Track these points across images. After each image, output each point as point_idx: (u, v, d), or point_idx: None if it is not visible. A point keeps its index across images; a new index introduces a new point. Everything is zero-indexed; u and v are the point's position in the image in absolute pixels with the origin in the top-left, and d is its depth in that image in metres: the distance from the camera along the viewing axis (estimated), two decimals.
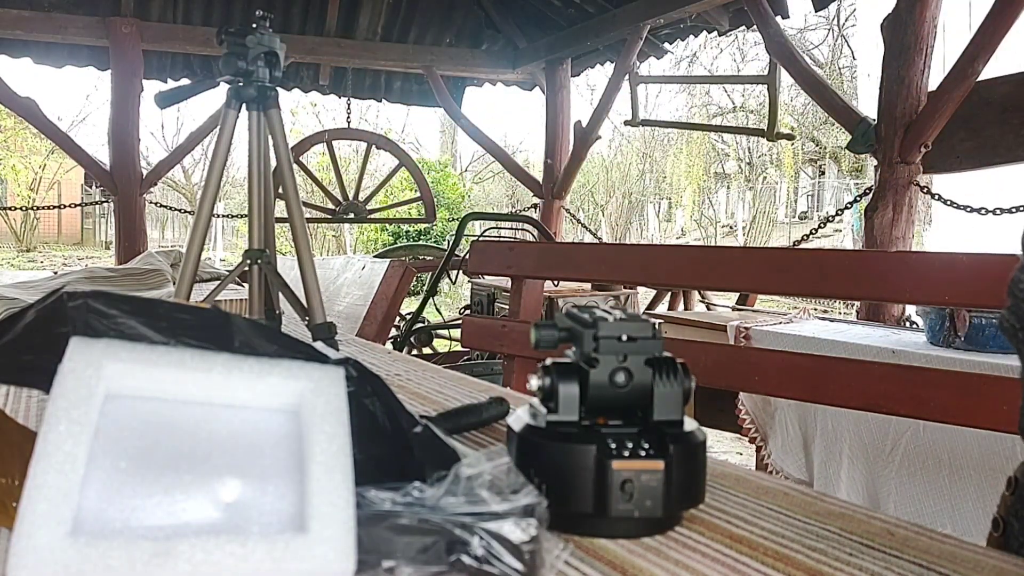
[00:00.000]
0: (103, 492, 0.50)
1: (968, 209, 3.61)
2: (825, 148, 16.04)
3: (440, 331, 4.96)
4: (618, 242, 15.37)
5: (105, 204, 6.27)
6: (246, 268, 1.67)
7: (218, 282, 1.86)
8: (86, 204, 7.66)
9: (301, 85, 6.53)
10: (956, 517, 2.10)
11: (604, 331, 0.64)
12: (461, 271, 4.36)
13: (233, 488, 0.52)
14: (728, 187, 17.97)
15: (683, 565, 0.58)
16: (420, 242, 10.11)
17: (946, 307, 2.23)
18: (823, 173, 17.27)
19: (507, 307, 2.40)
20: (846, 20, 15.20)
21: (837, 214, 4.85)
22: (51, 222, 19.51)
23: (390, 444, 0.62)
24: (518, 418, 0.67)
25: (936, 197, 3.69)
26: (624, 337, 0.64)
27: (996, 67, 3.39)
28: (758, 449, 2.70)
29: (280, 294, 1.70)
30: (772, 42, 4.23)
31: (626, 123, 5.58)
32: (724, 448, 4.14)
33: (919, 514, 2.16)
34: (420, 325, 4.63)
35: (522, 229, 5.84)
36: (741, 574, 0.57)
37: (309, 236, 1.71)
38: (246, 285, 1.71)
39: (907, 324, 3.24)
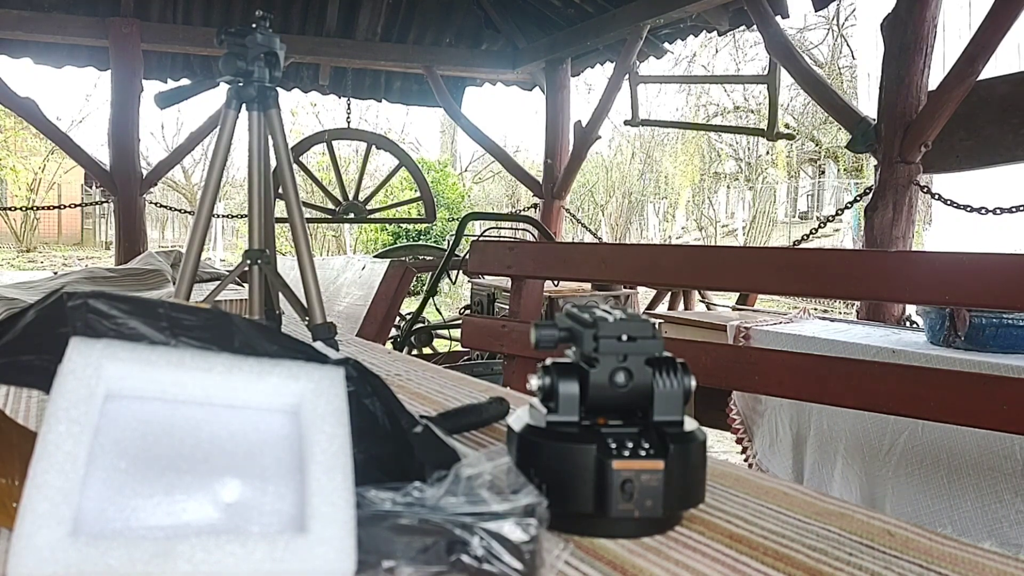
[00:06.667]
0: (103, 492, 0.50)
1: (968, 209, 3.61)
2: (825, 148, 16.03)
3: (440, 331, 4.96)
4: (618, 242, 15.38)
5: (105, 204, 6.28)
6: (246, 268, 1.67)
7: (218, 282, 1.86)
8: (86, 204, 7.66)
9: (301, 85, 6.53)
10: (954, 517, 2.10)
11: (604, 331, 0.64)
12: (461, 271, 4.36)
13: (233, 488, 0.52)
14: (728, 187, 17.96)
15: (683, 565, 0.58)
16: (420, 242, 10.11)
17: (946, 307, 2.23)
18: (823, 173, 17.27)
19: (507, 307, 2.41)
20: (846, 20, 15.19)
21: (837, 214, 4.85)
22: (51, 222, 19.50)
23: (390, 444, 0.62)
24: (518, 418, 0.67)
25: (936, 197, 3.69)
26: (624, 337, 0.64)
27: (996, 67, 3.39)
28: (744, 449, 2.70)
29: (280, 294, 1.70)
30: (772, 42, 4.23)
31: (626, 123, 5.58)
32: (724, 448, 4.14)
33: (916, 514, 2.16)
34: (420, 325, 4.63)
35: (522, 229, 5.84)
36: (741, 574, 0.57)
37: (309, 236, 1.71)
38: (246, 285, 1.71)
39: (907, 324, 3.24)
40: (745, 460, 2.68)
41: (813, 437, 2.49)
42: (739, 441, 2.72)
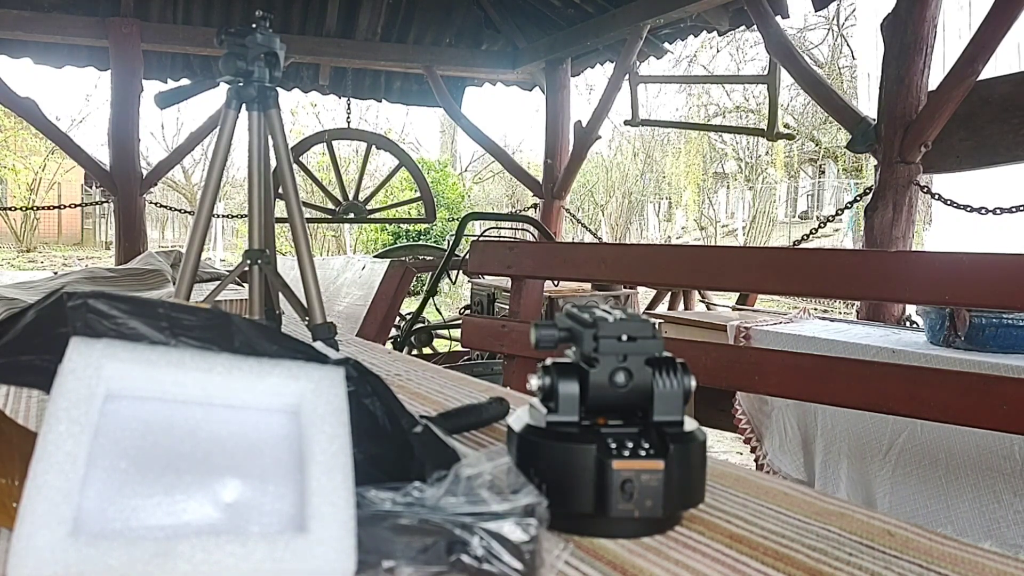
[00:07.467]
0: (103, 492, 0.50)
1: (968, 209, 3.61)
2: (825, 148, 16.02)
3: (440, 331, 4.96)
4: (618, 242, 15.37)
5: (105, 204, 6.28)
6: (246, 268, 1.67)
7: (218, 282, 1.86)
8: (86, 204, 7.67)
9: (301, 85, 6.53)
10: (952, 517, 2.10)
11: (604, 331, 0.64)
12: (461, 271, 4.36)
13: (233, 488, 0.52)
14: (728, 187, 17.96)
15: (683, 565, 0.58)
16: (420, 242, 10.11)
17: (946, 307, 2.23)
18: (823, 173, 17.27)
19: (507, 307, 2.40)
20: (846, 20, 15.18)
21: (837, 214, 4.85)
22: (51, 222, 19.50)
23: (390, 444, 0.62)
24: (518, 418, 0.67)
25: (936, 197, 3.69)
26: (624, 337, 0.64)
27: (996, 67, 3.39)
28: (753, 449, 2.71)
29: (280, 294, 1.70)
30: (772, 42, 4.23)
31: (626, 123, 5.58)
32: (724, 448, 4.15)
33: (914, 514, 2.16)
34: (420, 325, 4.63)
35: (522, 229, 5.84)
36: (741, 574, 0.57)
37: (309, 236, 1.71)
38: (246, 285, 1.71)
39: (907, 324, 3.24)
40: (755, 461, 2.69)
41: (820, 437, 2.49)
42: (747, 442, 2.72)
